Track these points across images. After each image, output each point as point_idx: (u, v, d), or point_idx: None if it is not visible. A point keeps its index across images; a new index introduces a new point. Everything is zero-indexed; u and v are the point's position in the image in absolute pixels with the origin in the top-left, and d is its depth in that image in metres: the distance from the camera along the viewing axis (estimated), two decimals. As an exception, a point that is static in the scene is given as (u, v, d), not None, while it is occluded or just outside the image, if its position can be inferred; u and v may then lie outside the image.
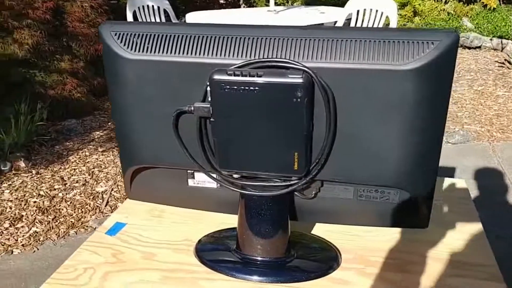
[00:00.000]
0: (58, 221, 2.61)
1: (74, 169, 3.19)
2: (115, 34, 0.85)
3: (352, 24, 3.92)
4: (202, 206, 1.01)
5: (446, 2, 6.95)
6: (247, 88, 0.78)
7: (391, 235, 1.04)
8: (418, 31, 0.77)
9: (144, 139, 0.91)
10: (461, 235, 1.04)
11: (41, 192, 2.90)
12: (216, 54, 0.81)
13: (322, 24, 4.21)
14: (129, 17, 4.42)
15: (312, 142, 0.83)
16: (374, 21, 3.81)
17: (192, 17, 4.28)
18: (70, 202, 2.79)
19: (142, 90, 0.86)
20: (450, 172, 3.01)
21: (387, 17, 3.85)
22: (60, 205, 2.77)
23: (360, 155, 0.83)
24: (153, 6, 4.63)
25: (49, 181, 3.03)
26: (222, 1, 7.12)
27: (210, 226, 1.08)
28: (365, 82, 0.77)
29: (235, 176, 0.89)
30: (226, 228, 1.07)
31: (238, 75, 0.77)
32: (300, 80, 0.76)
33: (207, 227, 1.08)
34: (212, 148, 0.87)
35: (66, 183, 2.99)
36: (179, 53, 0.83)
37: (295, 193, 0.92)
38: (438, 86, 0.77)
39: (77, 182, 3.01)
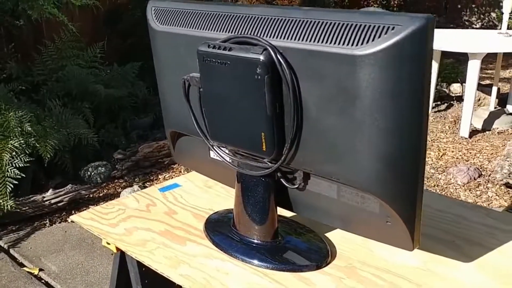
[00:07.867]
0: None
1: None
2: (153, 9, 0.98)
3: None
4: (221, 179, 1.06)
5: None
6: (220, 61, 0.81)
7: (408, 256, 0.91)
8: (383, 14, 0.68)
9: (170, 105, 1.02)
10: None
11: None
12: (213, 29, 0.87)
13: None
14: None
15: (283, 124, 0.81)
16: None
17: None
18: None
19: (166, 59, 0.98)
20: None
21: None
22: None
23: (327, 147, 0.78)
24: None
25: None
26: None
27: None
28: (323, 67, 0.73)
29: (227, 150, 0.93)
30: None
31: (214, 48, 0.82)
32: (260, 57, 0.76)
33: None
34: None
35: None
36: (189, 27, 0.91)
37: (282, 180, 0.90)
38: (402, 78, 0.67)
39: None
